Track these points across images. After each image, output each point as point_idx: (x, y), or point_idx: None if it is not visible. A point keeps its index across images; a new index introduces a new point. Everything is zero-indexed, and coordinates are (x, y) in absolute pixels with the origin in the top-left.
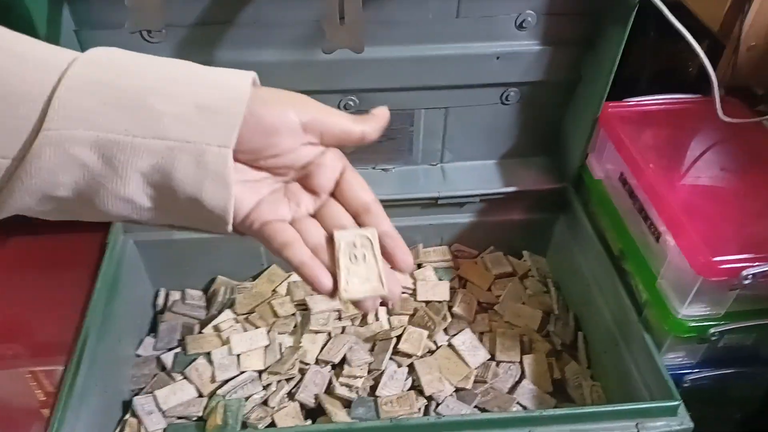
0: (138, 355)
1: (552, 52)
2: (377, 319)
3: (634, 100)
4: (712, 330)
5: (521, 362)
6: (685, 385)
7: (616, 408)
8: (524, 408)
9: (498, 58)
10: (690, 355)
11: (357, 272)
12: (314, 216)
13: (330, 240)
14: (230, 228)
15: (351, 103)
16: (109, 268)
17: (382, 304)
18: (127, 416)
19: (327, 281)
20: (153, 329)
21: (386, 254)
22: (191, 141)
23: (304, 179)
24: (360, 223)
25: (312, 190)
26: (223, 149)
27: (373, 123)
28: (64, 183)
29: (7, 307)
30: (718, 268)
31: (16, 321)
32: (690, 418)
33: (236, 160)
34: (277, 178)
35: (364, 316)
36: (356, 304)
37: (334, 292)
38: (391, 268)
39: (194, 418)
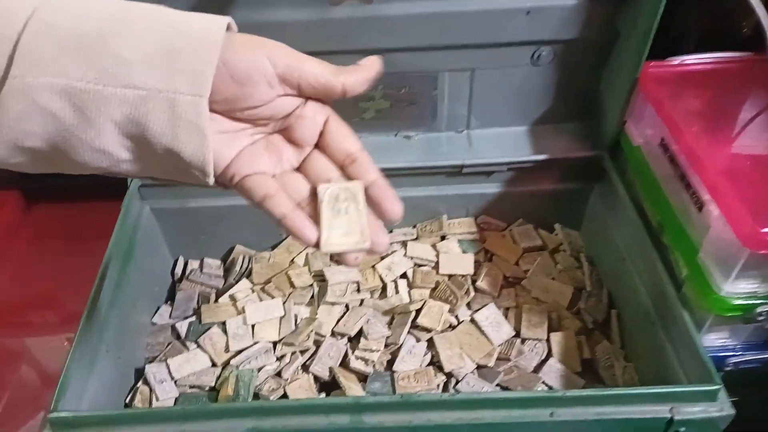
0: (154, 323)
1: (587, 5)
2: (397, 291)
3: (677, 60)
4: (759, 309)
5: (548, 340)
6: (728, 368)
7: (648, 390)
8: (549, 388)
9: (528, 12)
10: (734, 335)
11: (339, 225)
12: (298, 169)
13: (314, 194)
14: (212, 180)
15: None
16: (123, 235)
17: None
18: (139, 384)
19: (310, 232)
20: (172, 298)
21: (373, 204)
22: (162, 90)
23: (286, 131)
24: (346, 174)
25: (294, 143)
26: (197, 98)
27: (359, 74)
28: (35, 133)
29: (35, 277)
30: (766, 240)
31: (44, 290)
32: (731, 404)
33: (212, 110)
34: (257, 129)
35: (383, 289)
36: (339, 257)
37: (318, 243)
38: (379, 217)
39: (207, 388)
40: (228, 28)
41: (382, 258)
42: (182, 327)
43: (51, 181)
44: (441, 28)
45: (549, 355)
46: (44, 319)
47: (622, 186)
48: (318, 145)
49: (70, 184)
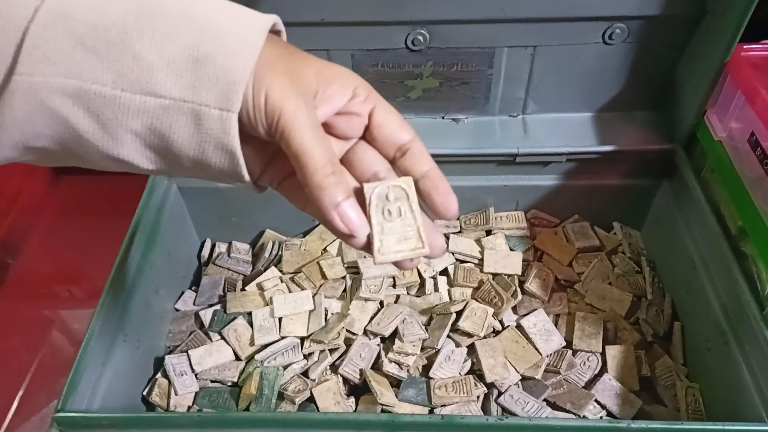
0: (177, 310)
1: None
2: (436, 289)
3: None
4: None
5: (603, 353)
6: None
7: (729, 427)
8: (603, 407)
9: None
10: None
11: (392, 230)
12: (342, 161)
13: (360, 192)
14: (250, 187)
15: (420, 38)
16: (147, 214)
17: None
18: (158, 376)
19: (359, 238)
20: (197, 283)
21: (422, 197)
22: (187, 100)
23: (325, 126)
24: (397, 168)
25: (336, 136)
26: (224, 113)
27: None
28: (45, 135)
29: (62, 250)
30: None
31: (70, 263)
32: None
33: (241, 120)
34: None
35: (421, 285)
36: (395, 264)
37: (368, 247)
38: (431, 212)
39: (229, 384)
40: (273, 28)
41: None
42: (206, 315)
43: None
44: None
45: (603, 369)
46: (70, 293)
47: (697, 184)
48: (364, 137)
49: None
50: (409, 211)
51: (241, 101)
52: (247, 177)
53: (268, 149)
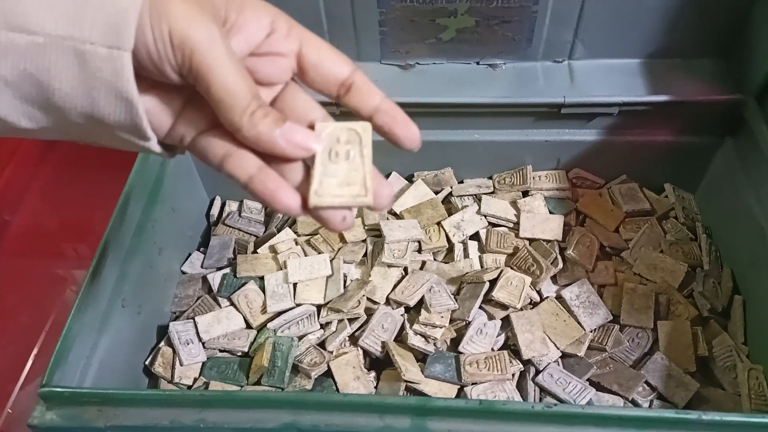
0: (183, 272)
1: None
2: (466, 255)
3: None
4: None
5: (654, 329)
6: None
7: None
8: (653, 389)
9: None
10: None
11: (335, 172)
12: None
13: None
14: (156, 148)
15: None
16: (148, 166)
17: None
18: (162, 344)
19: (286, 195)
20: (207, 244)
21: (383, 133)
22: (66, 37)
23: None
24: (345, 104)
25: (260, 82)
26: (115, 51)
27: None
28: None
29: (64, 206)
30: None
31: (74, 220)
32: None
33: (138, 60)
34: None
35: (450, 251)
36: (323, 216)
37: (303, 205)
38: (395, 146)
39: (239, 354)
40: None
41: (450, 213)
42: (215, 279)
43: None
44: None
45: (654, 347)
46: (75, 251)
47: None
48: (299, 79)
49: None
50: (359, 156)
51: (135, 35)
52: (149, 132)
53: (177, 98)
